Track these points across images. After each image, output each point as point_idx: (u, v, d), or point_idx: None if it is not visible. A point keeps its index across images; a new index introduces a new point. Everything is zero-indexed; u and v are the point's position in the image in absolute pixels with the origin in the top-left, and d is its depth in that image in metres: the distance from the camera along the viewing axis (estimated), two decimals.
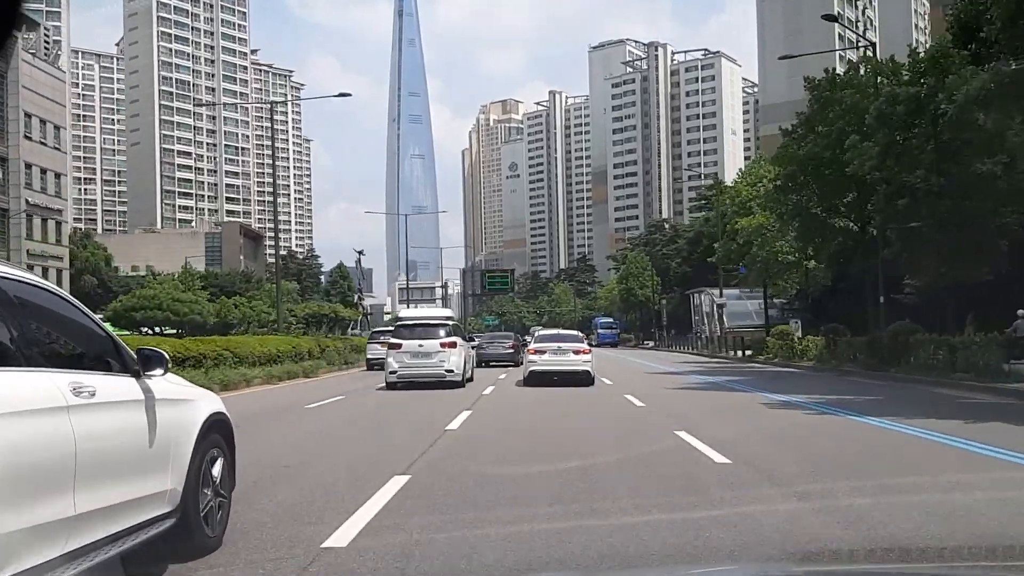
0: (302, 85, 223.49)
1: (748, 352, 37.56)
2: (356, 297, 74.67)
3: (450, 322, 21.27)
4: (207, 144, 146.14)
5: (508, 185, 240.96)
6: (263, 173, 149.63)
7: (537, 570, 4.32)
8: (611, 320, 78.33)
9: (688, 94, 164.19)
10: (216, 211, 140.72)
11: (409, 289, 74.69)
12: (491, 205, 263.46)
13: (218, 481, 4.58)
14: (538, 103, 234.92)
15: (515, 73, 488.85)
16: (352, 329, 65.09)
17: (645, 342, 74.32)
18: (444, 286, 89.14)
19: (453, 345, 18.89)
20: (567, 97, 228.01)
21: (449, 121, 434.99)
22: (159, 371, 4.12)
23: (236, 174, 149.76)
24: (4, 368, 3.03)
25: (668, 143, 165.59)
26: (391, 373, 18.84)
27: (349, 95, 35.69)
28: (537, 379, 18.99)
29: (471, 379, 20.74)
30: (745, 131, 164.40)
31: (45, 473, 3.07)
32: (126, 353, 4.04)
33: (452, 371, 18.53)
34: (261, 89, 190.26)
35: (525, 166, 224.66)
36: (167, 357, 4.19)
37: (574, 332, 23.29)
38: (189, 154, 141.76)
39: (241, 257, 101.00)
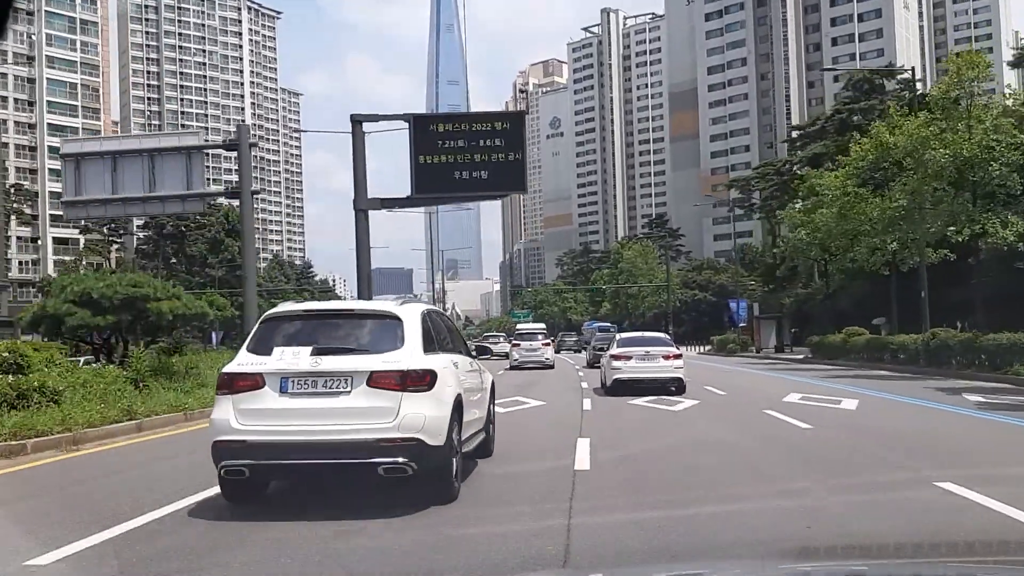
0: (278, 13, 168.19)
1: None
2: None
3: (544, 330, 38.17)
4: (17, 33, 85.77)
5: (548, 147, 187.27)
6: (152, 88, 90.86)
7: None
8: (608, 324, 64.42)
9: None
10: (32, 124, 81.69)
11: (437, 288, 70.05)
12: (531, 184, 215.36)
13: (492, 416, 9.77)
14: (586, 28, 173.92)
15: (560, 47, 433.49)
16: None
17: None
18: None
19: (548, 344, 34.05)
20: (624, 17, 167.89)
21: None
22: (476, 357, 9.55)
23: (87, 87, 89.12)
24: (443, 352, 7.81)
25: (798, 28, 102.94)
26: (513, 360, 32.62)
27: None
28: (622, 388, 18.44)
29: (553, 365, 33.18)
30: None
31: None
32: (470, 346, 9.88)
33: (548, 359, 32.72)
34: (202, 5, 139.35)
35: (571, 118, 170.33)
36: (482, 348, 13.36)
37: (662, 335, 22.82)
38: None
39: None
